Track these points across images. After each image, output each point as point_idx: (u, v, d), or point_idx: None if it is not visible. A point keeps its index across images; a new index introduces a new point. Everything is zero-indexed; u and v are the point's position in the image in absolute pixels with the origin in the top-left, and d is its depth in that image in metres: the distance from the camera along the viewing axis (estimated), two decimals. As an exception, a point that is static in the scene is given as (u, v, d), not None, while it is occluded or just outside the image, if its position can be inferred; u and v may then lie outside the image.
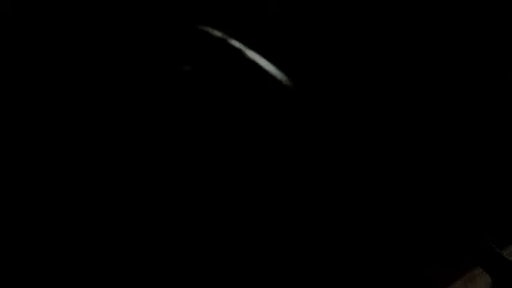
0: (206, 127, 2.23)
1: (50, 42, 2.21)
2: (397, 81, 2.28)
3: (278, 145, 2.24)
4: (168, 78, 2.23)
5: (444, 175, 2.17)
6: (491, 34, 2.23)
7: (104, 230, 2.10)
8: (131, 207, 2.14)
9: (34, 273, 2.03)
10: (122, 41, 2.25)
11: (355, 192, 2.18)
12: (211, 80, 2.25)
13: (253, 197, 2.17)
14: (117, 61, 2.24)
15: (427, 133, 2.22)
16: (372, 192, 2.16)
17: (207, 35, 2.22)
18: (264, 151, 2.22)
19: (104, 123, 2.21)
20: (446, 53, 2.27)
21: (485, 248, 1.89)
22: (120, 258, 2.06)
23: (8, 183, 2.10)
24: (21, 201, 2.10)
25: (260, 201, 2.17)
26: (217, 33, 2.21)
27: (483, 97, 2.21)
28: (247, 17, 2.25)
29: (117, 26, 2.24)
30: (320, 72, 2.28)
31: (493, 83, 2.21)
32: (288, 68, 2.28)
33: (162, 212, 2.15)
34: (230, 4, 2.26)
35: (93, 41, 2.23)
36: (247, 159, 2.22)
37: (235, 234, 2.13)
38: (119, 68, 2.24)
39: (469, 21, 2.25)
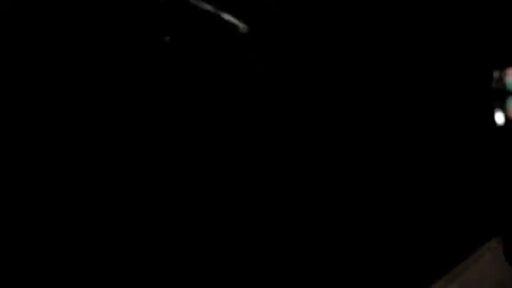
0: (187, 97, 2.24)
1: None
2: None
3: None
4: (150, 48, 2.25)
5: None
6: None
7: (104, 230, 2.08)
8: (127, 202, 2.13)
9: (34, 273, 1.99)
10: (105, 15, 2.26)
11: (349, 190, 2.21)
12: (190, 50, 2.27)
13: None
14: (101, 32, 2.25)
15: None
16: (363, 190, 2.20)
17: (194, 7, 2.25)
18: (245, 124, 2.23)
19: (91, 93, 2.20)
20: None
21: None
22: (120, 258, 2.04)
23: (8, 183, 2.07)
24: (22, 201, 2.07)
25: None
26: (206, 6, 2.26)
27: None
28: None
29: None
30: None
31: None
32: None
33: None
34: None
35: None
36: (227, 130, 2.23)
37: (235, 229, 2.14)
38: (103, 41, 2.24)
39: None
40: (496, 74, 2.19)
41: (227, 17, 2.25)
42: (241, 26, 2.24)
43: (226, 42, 2.27)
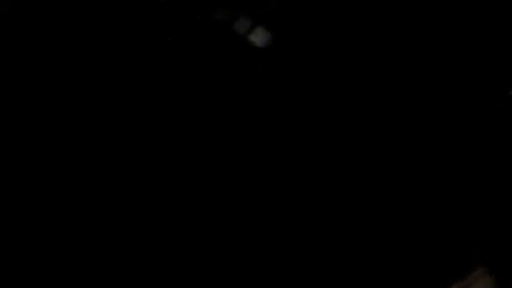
0: (188, 93, 2.23)
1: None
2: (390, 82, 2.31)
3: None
4: (154, 48, 2.25)
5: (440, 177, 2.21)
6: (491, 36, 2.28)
7: (104, 230, 2.08)
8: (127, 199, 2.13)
9: (34, 273, 2.00)
10: (111, 18, 2.25)
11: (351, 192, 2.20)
12: (191, 51, 2.27)
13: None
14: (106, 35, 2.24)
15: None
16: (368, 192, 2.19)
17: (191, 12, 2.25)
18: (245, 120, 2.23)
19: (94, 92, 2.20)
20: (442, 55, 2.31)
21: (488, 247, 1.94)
22: (120, 258, 2.05)
23: (8, 183, 2.08)
24: (21, 201, 2.08)
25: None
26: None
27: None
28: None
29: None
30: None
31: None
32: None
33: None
34: None
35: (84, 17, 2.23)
36: (228, 126, 2.23)
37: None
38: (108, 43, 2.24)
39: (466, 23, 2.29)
40: None
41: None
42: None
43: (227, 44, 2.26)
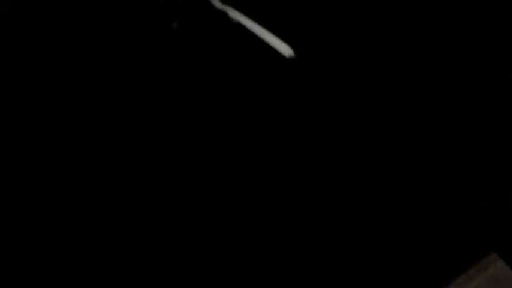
0: (193, 81, 2.24)
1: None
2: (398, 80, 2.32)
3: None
4: (159, 34, 2.26)
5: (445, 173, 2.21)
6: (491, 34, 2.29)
7: (104, 230, 2.08)
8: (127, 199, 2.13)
9: (34, 273, 2.00)
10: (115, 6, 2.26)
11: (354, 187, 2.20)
12: (196, 36, 2.28)
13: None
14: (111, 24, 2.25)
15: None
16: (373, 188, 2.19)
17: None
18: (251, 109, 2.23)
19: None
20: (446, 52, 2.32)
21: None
22: (120, 258, 2.04)
23: (8, 183, 2.08)
24: (22, 201, 2.08)
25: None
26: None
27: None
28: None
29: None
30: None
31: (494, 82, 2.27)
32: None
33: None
34: None
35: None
36: (233, 115, 2.23)
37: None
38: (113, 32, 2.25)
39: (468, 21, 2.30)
40: None
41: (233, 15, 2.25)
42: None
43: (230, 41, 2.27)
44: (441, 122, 2.27)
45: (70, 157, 2.16)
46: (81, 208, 2.11)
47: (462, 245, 2.10)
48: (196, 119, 2.26)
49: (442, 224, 2.14)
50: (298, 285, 2.05)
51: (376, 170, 2.21)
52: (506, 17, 2.31)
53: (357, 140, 2.25)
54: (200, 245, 2.10)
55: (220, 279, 2.05)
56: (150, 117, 2.24)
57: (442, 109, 2.28)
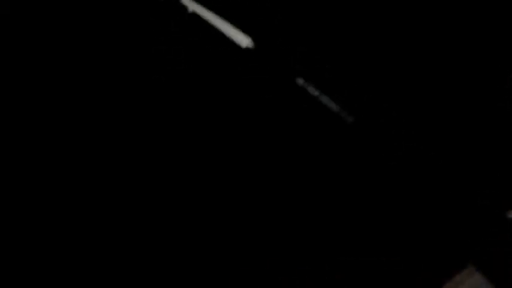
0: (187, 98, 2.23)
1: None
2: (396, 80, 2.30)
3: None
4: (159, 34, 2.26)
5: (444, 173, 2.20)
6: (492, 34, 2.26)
7: (104, 230, 2.08)
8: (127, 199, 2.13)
9: (34, 273, 2.00)
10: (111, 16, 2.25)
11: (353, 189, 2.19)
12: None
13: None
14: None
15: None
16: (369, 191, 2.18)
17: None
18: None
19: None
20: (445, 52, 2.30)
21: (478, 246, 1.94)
22: (120, 258, 2.05)
23: (8, 183, 2.08)
24: (21, 201, 2.08)
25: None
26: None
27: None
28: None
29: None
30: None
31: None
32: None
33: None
34: None
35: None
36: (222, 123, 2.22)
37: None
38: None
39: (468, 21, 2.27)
40: None
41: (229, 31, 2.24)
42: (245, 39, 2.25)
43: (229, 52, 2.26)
44: (441, 122, 2.26)
45: (70, 157, 2.16)
46: (81, 208, 2.11)
47: (439, 259, 2.11)
48: (185, 118, 2.25)
49: (442, 224, 2.14)
50: (298, 285, 2.06)
51: (376, 170, 2.20)
52: (506, 17, 2.28)
53: (357, 140, 2.24)
54: (200, 245, 2.09)
55: (220, 279, 2.05)
56: (150, 117, 2.22)
57: (442, 109, 2.27)
